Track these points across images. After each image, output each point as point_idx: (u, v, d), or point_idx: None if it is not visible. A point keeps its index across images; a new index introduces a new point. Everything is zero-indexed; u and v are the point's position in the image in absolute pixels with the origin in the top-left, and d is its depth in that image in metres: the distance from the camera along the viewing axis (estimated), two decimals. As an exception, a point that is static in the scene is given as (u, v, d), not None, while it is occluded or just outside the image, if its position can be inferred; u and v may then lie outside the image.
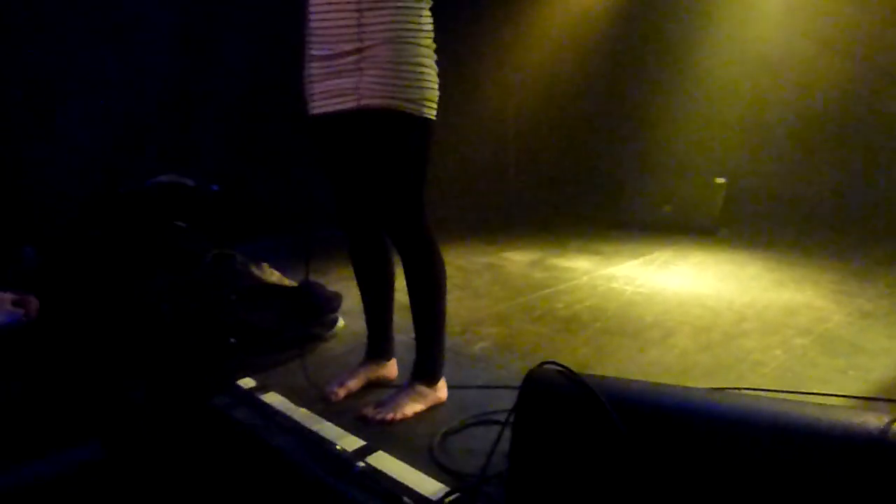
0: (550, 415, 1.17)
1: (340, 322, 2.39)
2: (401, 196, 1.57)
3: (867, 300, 2.63)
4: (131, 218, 2.73)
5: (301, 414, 1.72)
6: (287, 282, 2.49)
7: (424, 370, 1.74)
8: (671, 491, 1.05)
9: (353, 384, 1.83)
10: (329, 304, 2.33)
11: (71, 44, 3.18)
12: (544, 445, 1.16)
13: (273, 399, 1.81)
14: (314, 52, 1.56)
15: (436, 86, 1.55)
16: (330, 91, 1.54)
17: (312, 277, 2.79)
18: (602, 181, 5.32)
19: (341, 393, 1.79)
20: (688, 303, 2.67)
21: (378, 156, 1.55)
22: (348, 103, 1.52)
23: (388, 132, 1.52)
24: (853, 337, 2.21)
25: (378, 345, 1.87)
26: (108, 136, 3.35)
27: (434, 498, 1.33)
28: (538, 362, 1.27)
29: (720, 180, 4.19)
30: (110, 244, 2.49)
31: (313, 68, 1.57)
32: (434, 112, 1.55)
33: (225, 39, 3.80)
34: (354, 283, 1.91)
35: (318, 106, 1.57)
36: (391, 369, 1.91)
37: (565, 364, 1.21)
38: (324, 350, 2.23)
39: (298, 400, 1.80)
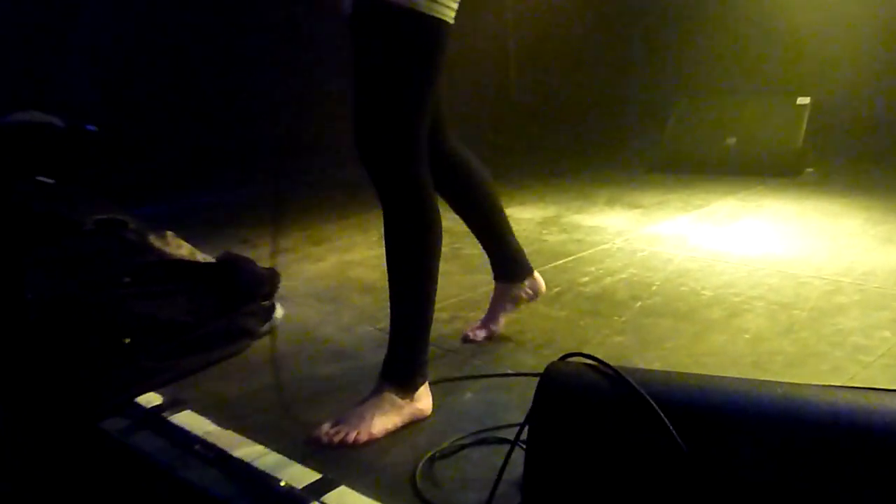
0: (578, 427, 1.16)
1: (279, 311, 2.38)
2: (377, 115, 1.63)
3: None
4: (-24, 173, 2.67)
5: (228, 438, 1.71)
6: (202, 256, 2.46)
7: (397, 371, 1.75)
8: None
9: (499, 324, 2.19)
10: (261, 287, 2.31)
11: None
12: (570, 469, 1.15)
13: (188, 420, 1.80)
14: None
15: None
16: None
17: (238, 250, 2.77)
18: (636, 108, 5.31)
19: (480, 335, 2.17)
20: (761, 270, 2.68)
21: (357, 60, 1.63)
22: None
23: (365, 27, 1.61)
24: None
25: (504, 267, 2.16)
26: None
27: (418, 548, 1.33)
28: (558, 356, 1.26)
29: (803, 100, 4.19)
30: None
31: None
32: (438, 8, 1.59)
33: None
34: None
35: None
36: (538, 283, 2.20)
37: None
38: (257, 351, 2.22)
39: (223, 419, 1.79)
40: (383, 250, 1.76)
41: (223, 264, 2.36)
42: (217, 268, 2.35)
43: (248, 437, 1.71)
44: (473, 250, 3.07)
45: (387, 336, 1.79)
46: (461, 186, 2.01)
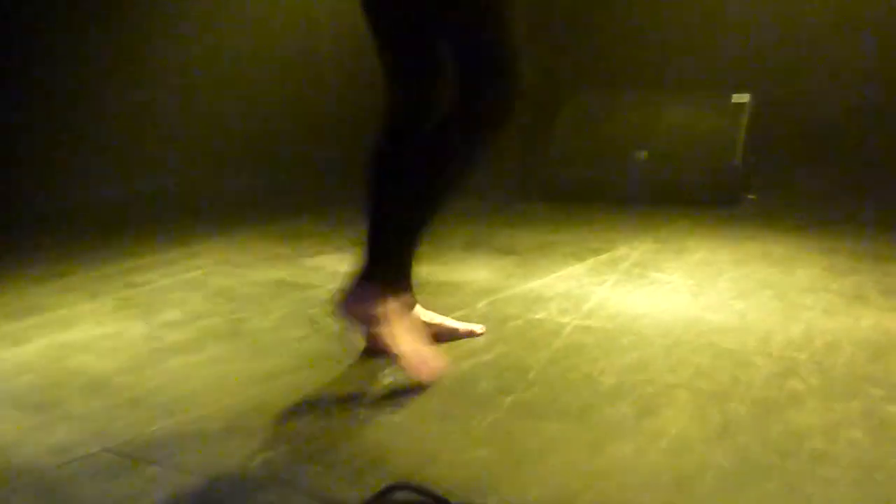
0: None
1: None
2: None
3: None
4: None
5: None
6: None
7: None
8: None
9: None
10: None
11: None
12: None
13: None
14: None
15: None
16: None
17: None
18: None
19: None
20: (684, 345, 2.75)
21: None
22: None
23: None
24: None
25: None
26: None
27: None
28: (382, 485, 1.24)
29: (740, 98, 4.37)
30: None
31: None
32: None
33: None
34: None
35: None
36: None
37: (439, 486, 1.18)
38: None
39: None
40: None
41: None
42: None
43: None
44: (261, 322, 3.04)
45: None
46: None
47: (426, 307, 2.92)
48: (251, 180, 5.44)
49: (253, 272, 3.60)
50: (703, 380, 2.50)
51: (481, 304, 3.14)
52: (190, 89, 5.66)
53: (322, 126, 5.78)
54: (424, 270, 3.43)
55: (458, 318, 2.99)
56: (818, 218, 3.98)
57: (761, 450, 2.12)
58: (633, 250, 3.67)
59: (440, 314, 2.99)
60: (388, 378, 2.58)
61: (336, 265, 3.54)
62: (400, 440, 2.24)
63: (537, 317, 3.01)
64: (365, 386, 2.57)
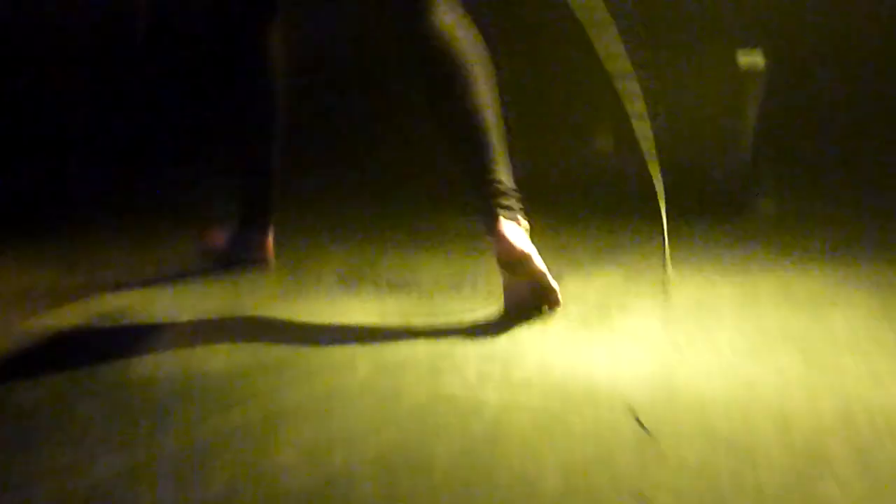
0: None
1: None
2: None
3: None
4: None
5: None
6: None
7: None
8: None
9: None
10: None
11: None
12: None
13: None
14: None
15: None
16: None
17: None
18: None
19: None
20: (666, 426, 2.71)
21: None
22: None
23: None
24: None
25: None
26: None
27: None
28: None
29: (750, 58, 4.37)
30: None
31: None
32: None
33: None
34: None
35: None
36: None
37: None
38: None
39: None
40: None
41: None
42: None
43: None
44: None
45: None
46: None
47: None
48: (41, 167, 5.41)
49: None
50: (692, 481, 2.45)
51: (362, 370, 3.08)
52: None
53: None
54: (283, 310, 3.38)
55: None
56: (861, 236, 3.97)
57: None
58: (588, 284, 3.66)
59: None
60: (214, 486, 2.50)
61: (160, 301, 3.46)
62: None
63: (446, 389, 2.95)
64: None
